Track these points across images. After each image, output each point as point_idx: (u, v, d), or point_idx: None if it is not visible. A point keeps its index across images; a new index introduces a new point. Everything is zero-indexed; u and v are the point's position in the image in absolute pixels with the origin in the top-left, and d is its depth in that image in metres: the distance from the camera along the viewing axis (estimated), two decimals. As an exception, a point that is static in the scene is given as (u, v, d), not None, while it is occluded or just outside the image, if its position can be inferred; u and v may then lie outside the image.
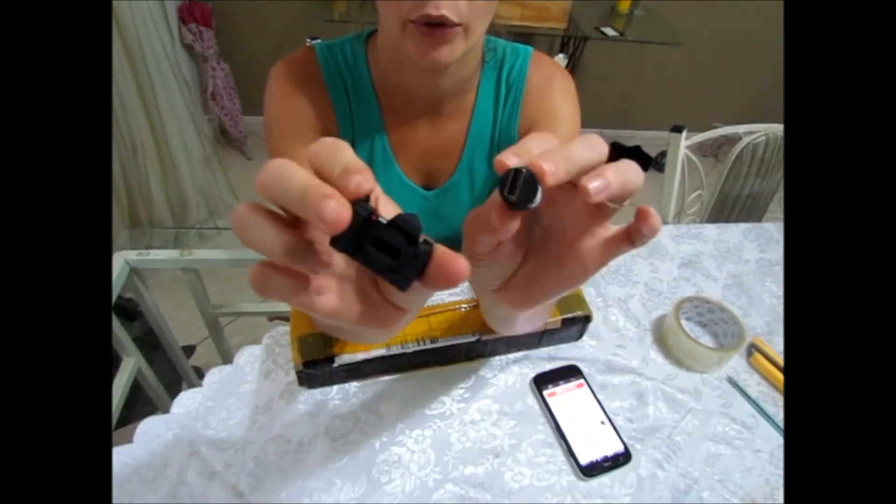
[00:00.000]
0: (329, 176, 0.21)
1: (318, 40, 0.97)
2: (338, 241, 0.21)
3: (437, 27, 0.49)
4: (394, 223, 0.21)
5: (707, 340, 0.72)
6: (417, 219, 0.21)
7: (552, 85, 0.66)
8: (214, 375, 0.63)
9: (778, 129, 1.17)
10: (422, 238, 0.22)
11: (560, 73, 0.67)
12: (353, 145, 0.66)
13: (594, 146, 0.25)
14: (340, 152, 0.22)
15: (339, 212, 0.19)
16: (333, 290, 0.25)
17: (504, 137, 0.67)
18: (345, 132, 0.65)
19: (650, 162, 2.62)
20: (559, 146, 0.25)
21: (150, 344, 1.14)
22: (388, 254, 0.21)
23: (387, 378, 0.64)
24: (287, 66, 0.62)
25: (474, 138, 0.67)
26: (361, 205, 0.21)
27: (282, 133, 0.61)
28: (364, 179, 0.20)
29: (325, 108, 0.63)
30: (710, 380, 0.67)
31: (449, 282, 0.22)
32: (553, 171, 0.23)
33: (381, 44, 0.62)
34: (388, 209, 0.25)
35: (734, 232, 0.92)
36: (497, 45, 0.66)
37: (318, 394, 0.62)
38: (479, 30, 0.53)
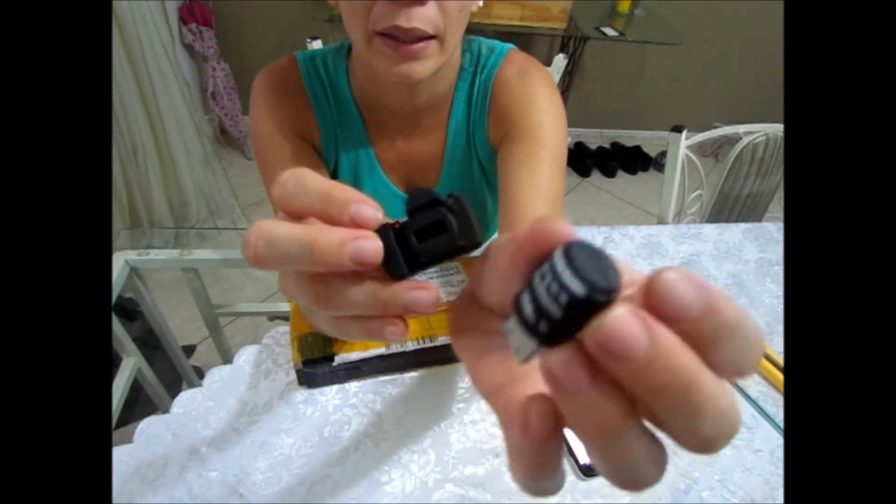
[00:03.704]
0: (307, 210, 0.19)
1: (318, 40, 0.98)
2: (394, 270, 0.19)
3: (407, 42, 0.46)
4: (413, 211, 0.19)
5: (707, 340, 0.72)
6: (424, 189, 0.20)
7: (527, 76, 0.61)
8: (214, 375, 0.63)
9: (778, 129, 1.17)
10: (441, 198, 0.19)
11: (536, 66, 0.63)
12: (337, 155, 0.65)
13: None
14: (309, 185, 0.19)
15: (372, 247, 0.18)
16: None
17: (479, 142, 0.65)
18: (327, 141, 0.64)
19: (650, 162, 2.62)
20: None
21: (150, 344, 1.13)
22: (435, 234, 0.19)
23: (386, 378, 0.64)
24: (270, 75, 0.62)
25: (452, 149, 0.66)
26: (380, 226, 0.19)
27: (268, 144, 0.61)
28: (373, 207, 0.19)
29: (308, 118, 0.62)
30: (710, 380, 0.67)
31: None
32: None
33: (355, 59, 0.60)
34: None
35: (734, 232, 0.92)
36: (473, 46, 0.63)
37: (317, 394, 0.62)
38: (454, 40, 0.50)
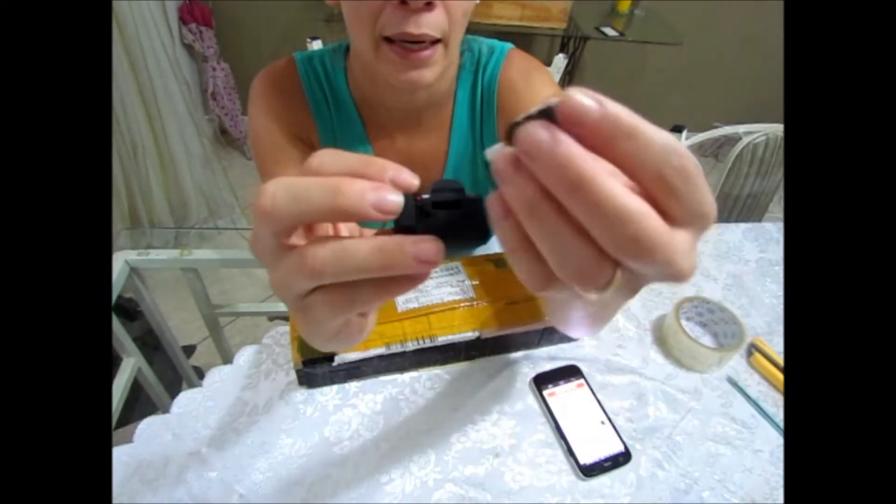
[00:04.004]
0: (343, 173, 0.20)
1: (318, 40, 0.98)
2: (403, 218, 0.20)
3: (415, 48, 0.46)
4: (435, 190, 0.21)
5: (707, 340, 0.72)
6: (452, 180, 0.21)
7: (531, 77, 0.62)
8: (214, 375, 0.63)
9: (778, 129, 1.17)
10: (464, 188, 0.22)
11: (537, 66, 0.64)
12: None
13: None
14: (347, 155, 0.21)
15: (395, 197, 0.19)
16: None
17: (487, 143, 0.65)
18: (326, 142, 0.64)
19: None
20: None
21: (150, 344, 1.14)
22: (449, 209, 0.21)
23: (386, 378, 0.64)
24: (268, 77, 0.62)
25: (456, 148, 0.66)
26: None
27: (267, 145, 0.61)
28: (411, 175, 0.20)
29: (306, 119, 0.63)
30: (710, 380, 0.67)
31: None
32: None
33: (354, 60, 0.61)
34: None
35: (734, 232, 0.92)
36: (473, 45, 0.63)
37: (317, 394, 0.62)
38: (457, 42, 0.51)
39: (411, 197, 0.20)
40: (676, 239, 0.17)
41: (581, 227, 0.17)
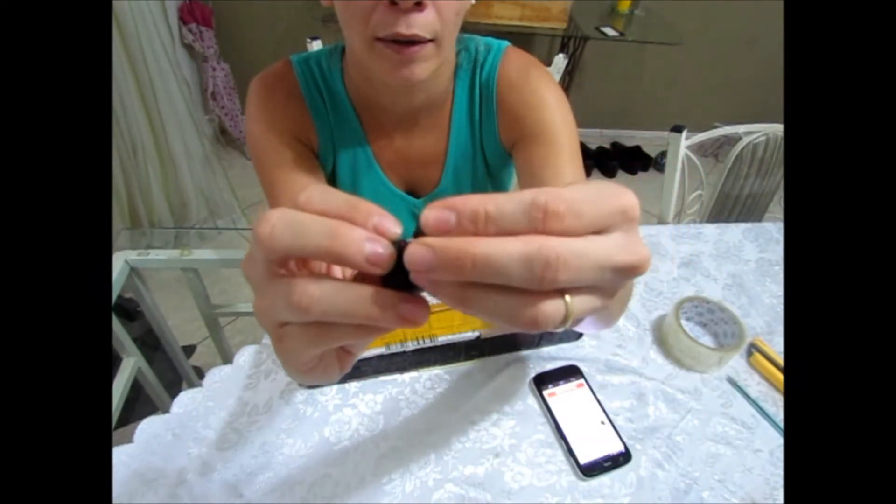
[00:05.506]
0: (331, 213, 0.20)
1: (318, 40, 0.98)
2: (391, 276, 0.20)
3: (407, 45, 0.47)
4: (420, 232, 0.21)
5: (707, 340, 0.72)
6: None
7: (529, 74, 0.62)
8: (214, 375, 0.63)
9: (778, 129, 1.17)
10: None
11: (535, 63, 0.64)
12: (335, 157, 0.66)
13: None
14: (335, 194, 0.21)
15: (388, 251, 0.19)
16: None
17: (487, 141, 0.66)
18: (325, 144, 0.64)
19: (650, 162, 2.62)
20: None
21: (150, 344, 1.13)
22: None
23: (386, 378, 0.64)
24: (265, 80, 0.62)
25: (455, 147, 0.66)
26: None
27: (265, 148, 0.61)
28: (394, 223, 0.20)
29: (305, 121, 0.63)
30: (710, 380, 0.67)
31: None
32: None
33: (349, 61, 0.61)
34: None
35: (734, 232, 0.92)
36: (470, 44, 0.63)
37: (317, 394, 0.62)
38: (450, 42, 0.51)
39: (399, 244, 0.20)
40: (600, 245, 0.18)
41: (508, 286, 0.18)
